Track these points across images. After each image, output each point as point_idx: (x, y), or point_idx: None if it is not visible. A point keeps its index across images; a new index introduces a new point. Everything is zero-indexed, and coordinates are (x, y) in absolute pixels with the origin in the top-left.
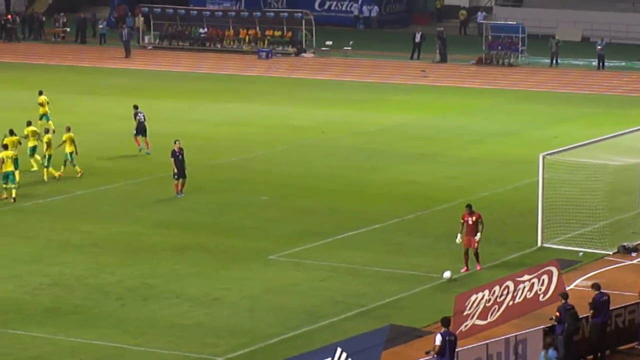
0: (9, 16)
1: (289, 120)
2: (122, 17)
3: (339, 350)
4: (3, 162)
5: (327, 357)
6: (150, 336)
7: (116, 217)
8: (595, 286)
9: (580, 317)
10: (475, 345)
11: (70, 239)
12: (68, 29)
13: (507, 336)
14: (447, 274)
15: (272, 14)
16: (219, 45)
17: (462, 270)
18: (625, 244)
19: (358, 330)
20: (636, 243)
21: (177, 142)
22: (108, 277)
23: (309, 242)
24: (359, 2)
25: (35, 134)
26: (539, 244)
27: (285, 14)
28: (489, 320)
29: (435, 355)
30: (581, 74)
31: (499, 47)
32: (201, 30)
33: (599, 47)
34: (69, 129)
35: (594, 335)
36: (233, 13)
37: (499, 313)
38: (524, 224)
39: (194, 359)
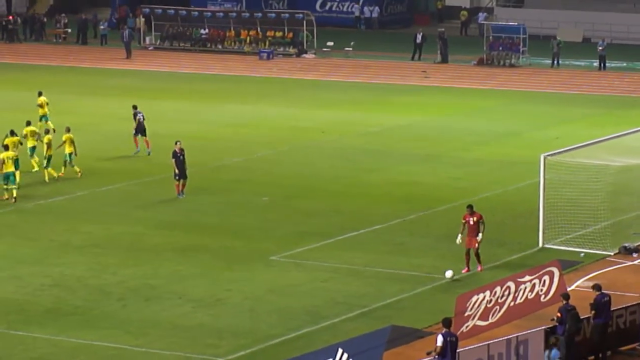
0: (10, 17)
1: (290, 121)
2: (123, 18)
3: (340, 351)
4: (4, 162)
5: (328, 358)
6: (152, 337)
7: (117, 217)
8: (597, 287)
9: (582, 317)
10: (476, 346)
11: (71, 239)
12: (69, 30)
13: (508, 337)
14: (448, 273)
15: (273, 14)
16: (220, 46)
17: (463, 271)
18: (626, 244)
19: (359, 331)
20: (637, 244)
21: (178, 143)
22: (109, 278)
23: (311, 243)
24: (360, 2)
25: (34, 134)
26: (540, 244)
27: (287, 15)
28: (490, 321)
29: (436, 356)
30: (582, 75)
31: (500, 48)
32: (202, 31)
33: (600, 47)
34: (68, 130)
35: (595, 336)
36: (234, 14)
37: (500, 314)
38: (525, 225)
39: (196, 359)
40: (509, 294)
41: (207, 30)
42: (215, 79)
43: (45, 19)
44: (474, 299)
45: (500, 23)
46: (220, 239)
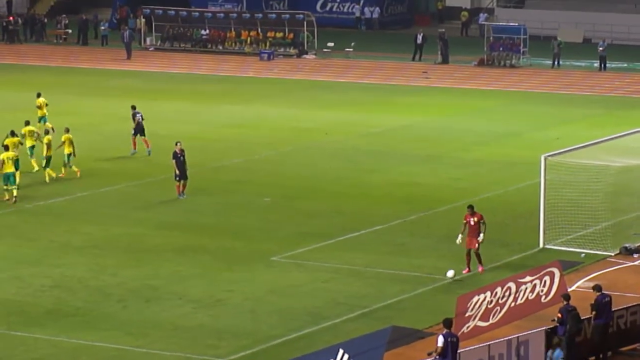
0: (11, 18)
1: (291, 122)
2: (123, 18)
3: (341, 351)
4: (4, 163)
5: (329, 359)
6: (152, 338)
7: (117, 218)
8: (597, 287)
9: (582, 318)
10: (477, 346)
11: (71, 240)
12: (70, 31)
13: (509, 337)
14: (450, 273)
15: (273, 15)
16: (220, 47)
17: (463, 272)
18: (627, 245)
19: (360, 332)
20: (638, 244)
21: (178, 144)
22: (110, 279)
23: (311, 244)
24: (361, 3)
25: (32, 133)
26: (541, 245)
27: (287, 16)
28: (491, 321)
29: (437, 357)
30: (583, 75)
31: (501, 49)
32: (203, 32)
33: (601, 48)
34: (67, 130)
35: (595, 337)
36: (235, 15)
37: (501, 314)
38: (526, 226)
39: None
40: (509, 294)
41: (207, 31)
42: (216, 80)
43: (45, 20)
44: (475, 299)
45: (500, 24)
46: (220, 239)
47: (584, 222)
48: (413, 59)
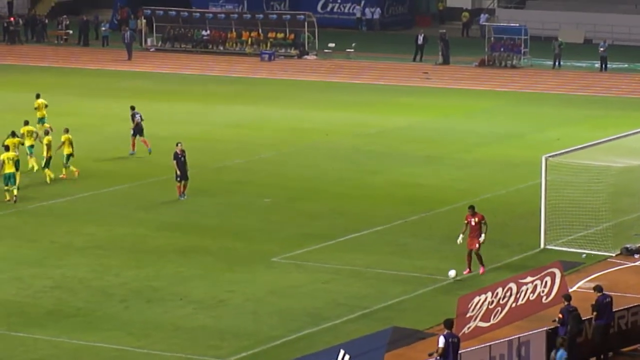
0: (12, 19)
1: (292, 123)
2: (124, 19)
3: (341, 352)
4: (4, 163)
5: None
6: (154, 338)
7: (119, 219)
8: (598, 288)
9: (583, 319)
10: (478, 347)
11: (72, 241)
12: (71, 32)
13: (510, 338)
14: (452, 273)
15: (274, 16)
16: (221, 48)
17: (464, 272)
18: (628, 245)
19: (361, 333)
20: (639, 245)
21: (179, 144)
22: (111, 280)
23: (312, 245)
24: (362, 4)
25: (31, 133)
26: (542, 245)
27: (288, 16)
28: (492, 322)
29: (438, 358)
30: (584, 76)
31: (502, 49)
32: (203, 33)
33: (602, 48)
34: (67, 131)
35: (596, 337)
36: (235, 15)
37: (502, 315)
38: (527, 226)
39: None
40: (510, 295)
41: (208, 32)
42: (217, 81)
43: (46, 21)
44: (476, 300)
45: (501, 24)
46: (221, 240)
47: (585, 223)
48: (414, 60)
